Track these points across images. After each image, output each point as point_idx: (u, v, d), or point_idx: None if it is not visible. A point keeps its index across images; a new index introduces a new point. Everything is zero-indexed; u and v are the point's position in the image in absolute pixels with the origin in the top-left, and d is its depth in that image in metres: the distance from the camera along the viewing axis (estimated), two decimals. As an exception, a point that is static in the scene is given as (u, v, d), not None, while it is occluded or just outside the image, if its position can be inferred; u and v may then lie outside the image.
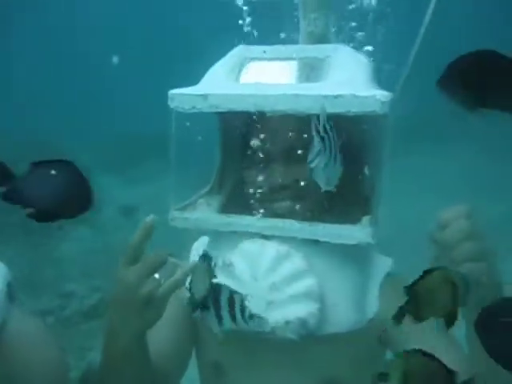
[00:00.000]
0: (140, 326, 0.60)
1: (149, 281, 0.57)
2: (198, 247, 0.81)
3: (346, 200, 0.71)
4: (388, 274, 0.73)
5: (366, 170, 0.63)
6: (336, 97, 0.61)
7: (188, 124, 0.75)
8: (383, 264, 0.74)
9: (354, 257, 0.69)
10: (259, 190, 0.73)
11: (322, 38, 0.79)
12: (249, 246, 0.67)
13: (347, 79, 0.66)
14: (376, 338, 0.69)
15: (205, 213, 0.75)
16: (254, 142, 0.72)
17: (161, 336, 0.73)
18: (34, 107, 6.13)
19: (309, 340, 0.64)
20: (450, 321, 0.48)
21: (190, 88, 0.72)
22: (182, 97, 0.69)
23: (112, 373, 0.64)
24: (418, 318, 0.48)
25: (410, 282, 0.49)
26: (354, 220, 0.67)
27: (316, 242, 0.66)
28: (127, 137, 5.73)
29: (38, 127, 5.21)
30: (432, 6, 0.83)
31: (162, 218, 0.73)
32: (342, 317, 0.65)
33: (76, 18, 6.92)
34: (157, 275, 0.58)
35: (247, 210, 0.72)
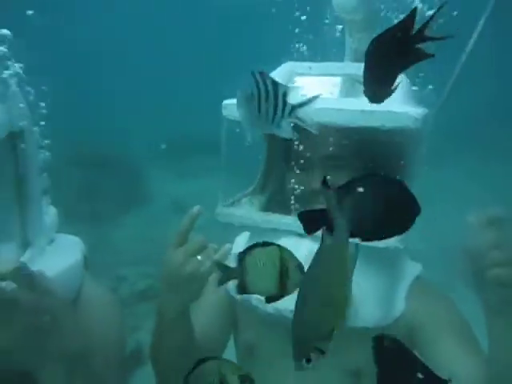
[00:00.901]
0: (184, 299, 0.69)
1: (192, 260, 0.66)
2: (240, 241, 0.91)
3: None
4: (417, 278, 0.77)
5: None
6: (372, 112, 0.67)
7: (238, 130, 0.85)
8: (412, 268, 0.79)
9: (383, 259, 0.74)
10: (298, 193, 0.80)
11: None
12: (285, 241, 0.75)
13: (385, 95, 0.72)
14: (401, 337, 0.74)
15: (248, 210, 0.84)
16: (297, 150, 0.80)
17: (204, 319, 0.83)
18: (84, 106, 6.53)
19: (338, 333, 0.70)
20: None
21: (240, 99, 0.81)
22: (233, 106, 0.79)
23: (161, 343, 0.75)
24: None
25: None
26: None
27: (346, 243, 0.72)
28: (182, 134, 6.03)
29: (87, 126, 5.57)
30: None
31: (209, 211, 0.83)
32: (369, 313, 0.71)
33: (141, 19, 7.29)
34: (199, 257, 0.67)
35: (286, 210, 0.80)
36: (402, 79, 0.78)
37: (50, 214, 0.77)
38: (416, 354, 0.49)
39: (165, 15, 7.33)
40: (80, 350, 0.60)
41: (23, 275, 0.54)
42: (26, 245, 0.66)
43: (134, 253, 3.93)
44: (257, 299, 0.73)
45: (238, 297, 0.78)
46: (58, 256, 0.68)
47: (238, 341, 0.87)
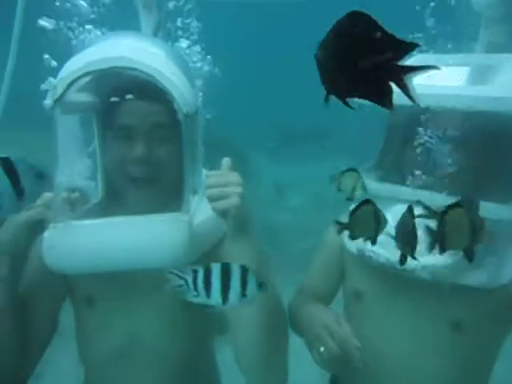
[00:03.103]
0: None
1: None
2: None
3: (498, 186, 0.84)
4: None
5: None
6: (498, 98, 0.75)
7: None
8: None
9: (497, 231, 0.80)
10: (416, 169, 0.91)
11: (500, 48, 0.90)
12: (400, 208, 0.88)
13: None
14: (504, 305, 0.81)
15: (367, 180, 0.99)
16: (421, 129, 0.91)
17: (318, 266, 1.03)
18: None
19: (443, 287, 0.81)
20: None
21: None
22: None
23: None
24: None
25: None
26: (504, 202, 0.79)
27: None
28: (287, 123, 6.29)
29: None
30: None
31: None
32: (476, 274, 0.80)
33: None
34: None
35: (402, 182, 0.92)
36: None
37: (203, 173, 1.03)
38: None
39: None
40: None
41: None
42: (194, 193, 0.91)
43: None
44: (370, 250, 0.88)
45: (353, 248, 0.94)
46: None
47: (345, 287, 1.03)
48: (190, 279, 0.59)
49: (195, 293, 0.59)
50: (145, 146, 0.83)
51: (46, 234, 0.78)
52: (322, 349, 0.77)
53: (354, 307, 0.97)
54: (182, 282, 0.59)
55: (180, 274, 0.60)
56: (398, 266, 0.83)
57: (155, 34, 1.07)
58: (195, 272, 0.59)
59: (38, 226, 0.78)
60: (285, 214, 4.49)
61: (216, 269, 0.59)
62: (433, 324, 0.86)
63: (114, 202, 0.93)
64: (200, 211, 0.85)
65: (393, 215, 0.88)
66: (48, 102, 0.76)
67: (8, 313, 0.81)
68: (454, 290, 0.81)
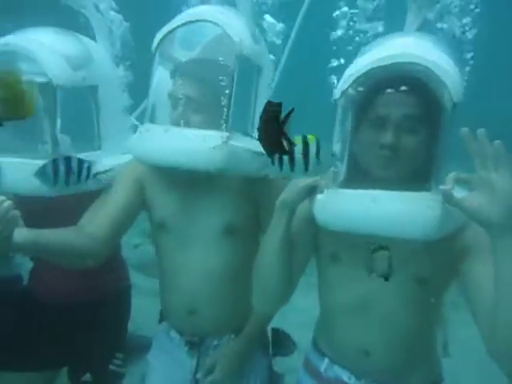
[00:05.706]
0: None
1: None
2: None
3: None
4: None
5: None
6: None
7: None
8: None
9: None
10: None
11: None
12: None
13: None
14: None
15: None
16: None
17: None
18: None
19: None
20: None
21: None
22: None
23: None
24: None
25: None
26: None
27: None
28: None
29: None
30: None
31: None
32: None
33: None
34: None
35: None
36: None
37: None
38: None
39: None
40: None
41: None
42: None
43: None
44: None
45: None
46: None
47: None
48: None
49: None
50: (394, 134, 0.90)
51: (319, 197, 0.95)
52: None
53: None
54: None
55: None
56: None
57: (419, 30, 1.17)
58: None
59: (311, 190, 1.01)
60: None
61: None
62: None
63: (356, 180, 1.09)
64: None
65: None
66: (336, 92, 0.96)
67: (282, 257, 1.00)
68: None
